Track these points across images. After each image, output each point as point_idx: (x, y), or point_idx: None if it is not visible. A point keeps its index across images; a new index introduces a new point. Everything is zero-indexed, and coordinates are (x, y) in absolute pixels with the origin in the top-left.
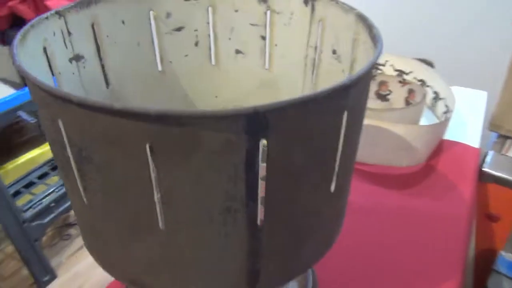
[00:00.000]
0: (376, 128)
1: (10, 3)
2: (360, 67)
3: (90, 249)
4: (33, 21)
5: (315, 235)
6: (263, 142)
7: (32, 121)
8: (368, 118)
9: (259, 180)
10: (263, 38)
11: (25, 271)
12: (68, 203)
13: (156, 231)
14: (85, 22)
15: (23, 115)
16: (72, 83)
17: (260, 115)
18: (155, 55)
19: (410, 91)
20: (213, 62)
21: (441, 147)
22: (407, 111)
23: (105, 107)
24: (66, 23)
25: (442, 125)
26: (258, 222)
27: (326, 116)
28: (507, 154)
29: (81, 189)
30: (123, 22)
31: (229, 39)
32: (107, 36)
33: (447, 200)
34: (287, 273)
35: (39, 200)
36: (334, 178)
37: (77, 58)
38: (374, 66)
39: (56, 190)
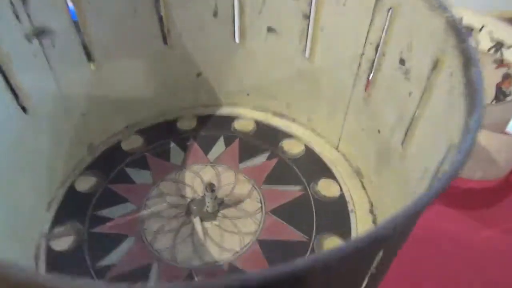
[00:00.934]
0: None
1: None
2: (437, 102)
3: None
4: None
5: None
6: None
7: None
8: None
9: None
10: (306, 17)
11: None
12: None
13: None
14: None
15: None
16: (33, 66)
17: None
18: (158, 25)
19: (506, 76)
20: (237, 39)
21: None
22: (497, 109)
23: None
24: None
25: None
26: None
27: (353, 263)
28: None
29: None
30: None
31: (259, 12)
32: (89, 2)
33: None
34: None
35: None
36: None
37: (40, 33)
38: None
39: None
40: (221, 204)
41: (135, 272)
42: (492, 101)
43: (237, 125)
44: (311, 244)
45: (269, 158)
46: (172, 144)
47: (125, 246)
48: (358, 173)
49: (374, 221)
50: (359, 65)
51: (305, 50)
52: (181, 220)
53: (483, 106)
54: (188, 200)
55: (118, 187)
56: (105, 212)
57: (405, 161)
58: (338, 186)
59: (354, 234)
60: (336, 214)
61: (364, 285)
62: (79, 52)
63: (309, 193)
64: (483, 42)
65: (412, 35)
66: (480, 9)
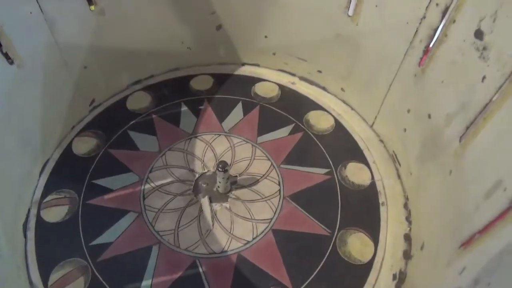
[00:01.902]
0: None
1: None
2: None
3: None
4: None
5: None
6: None
7: None
8: None
9: None
10: None
11: None
12: None
13: None
14: None
15: None
16: (18, 6)
17: None
18: None
19: None
20: None
21: None
22: None
23: None
24: None
25: None
26: None
27: None
28: None
29: None
30: None
31: None
32: None
33: None
34: None
35: None
36: None
37: None
38: None
39: None
40: (234, 183)
41: (132, 255)
42: None
43: (259, 89)
44: (333, 240)
45: (292, 132)
46: (184, 107)
47: (123, 223)
48: (395, 160)
49: (407, 218)
50: (416, 32)
51: (348, 7)
52: (188, 198)
53: None
54: (197, 175)
55: (120, 153)
56: (103, 182)
57: (463, 162)
58: (369, 173)
59: (383, 231)
60: (364, 205)
61: None
62: None
63: (336, 178)
64: None
65: (502, 0)
66: None
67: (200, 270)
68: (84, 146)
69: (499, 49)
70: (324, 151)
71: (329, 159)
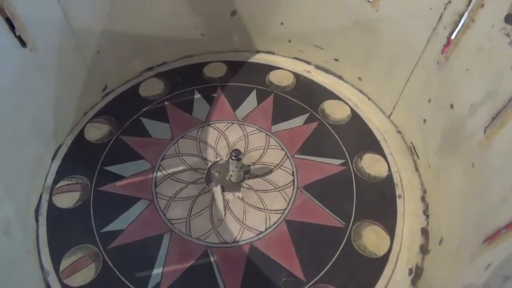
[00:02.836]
0: None
1: None
2: None
3: None
4: None
5: None
6: None
7: None
8: None
9: None
10: None
11: None
12: None
13: None
14: None
15: None
16: None
17: None
18: None
19: None
20: None
21: None
22: None
23: None
24: None
25: None
26: None
27: None
28: None
29: None
30: None
31: None
32: None
33: None
34: None
35: None
36: None
37: None
38: None
39: None
40: (247, 172)
41: (144, 243)
42: None
43: (273, 77)
44: (347, 232)
45: (307, 122)
46: (197, 94)
47: (134, 210)
48: (413, 152)
49: (425, 212)
50: (440, 17)
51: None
52: (200, 187)
53: None
54: (210, 164)
55: (132, 140)
56: (115, 168)
57: (487, 153)
58: (386, 164)
59: (400, 224)
60: (380, 198)
61: None
62: None
63: (351, 169)
64: None
65: None
66: None
67: (212, 259)
68: (96, 132)
69: None
70: (340, 141)
71: (345, 150)
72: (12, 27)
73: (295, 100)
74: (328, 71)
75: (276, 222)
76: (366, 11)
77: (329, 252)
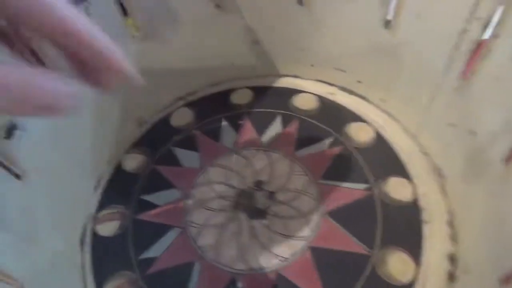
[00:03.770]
0: None
1: None
2: None
3: None
4: None
5: None
6: None
7: None
8: None
9: None
10: None
11: None
12: None
13: None
14: None
15: None
16: None
17: None
18: None
19: None
20: (302, 2)
21: None
22: None
23: None
24: None
25: None
26: None
27: None
28: None
29: None
30: None
31: None
32: None
33: None
34: None
35: None
36: None
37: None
38: None
39: None
40: (272, 199)
41: (177, 269)
42: None
43: (297, 101)
44: (372, 259)
45: (331, 146)
46: (224, 122)
47: (168, 238)
48: (440, 174)
49: (453, 237)
50: (457, 44)
51: (387, 20)
52: (228, 215)
53: None
54: (236, 191)
55: (165, 169)
56: (150, 197)
57: (508, 186)
58: (411, 188)
59: (426, 250)
60: (406, 223)
61: None
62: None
63: (376, 194)
64: None
65: None
66: None
67: (239, 286)
68: (133, 163)
69: None
70: (364, 165)
71: (369, 174)
72: None
73: (319, 124)
74: (351, 92)
75: (301, 249)
76: (384, 37)
77: (354, 279)
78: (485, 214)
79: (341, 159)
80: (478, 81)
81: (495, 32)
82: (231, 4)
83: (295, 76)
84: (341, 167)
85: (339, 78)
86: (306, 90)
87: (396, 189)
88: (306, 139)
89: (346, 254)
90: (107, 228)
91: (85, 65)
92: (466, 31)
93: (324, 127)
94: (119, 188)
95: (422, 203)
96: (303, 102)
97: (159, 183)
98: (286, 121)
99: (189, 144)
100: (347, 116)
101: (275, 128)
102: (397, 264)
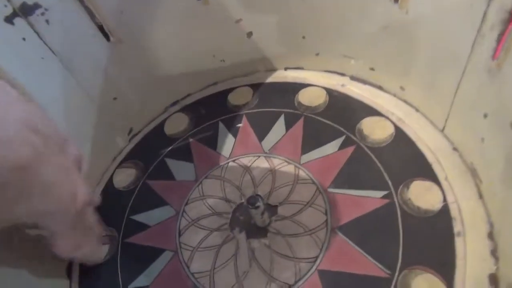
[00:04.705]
0: None
1: None
2: None
3: None
4: None
5: None
6: None
7: None
8: None
9: None
10: None
11: None
12: None
13: None
14: None
15: None
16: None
17: None
18: None
19: None
20: None
21: None
22: None
23: None
24: None
25: None
26: None
27: None
28: None
29: None
30: None
31: None
32: None
33: None
34: None
35: None
36: None
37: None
38: None
39: None
40: (274, 214)
41: None
42: None
43: (303, 97)
44: (393, 283)
45: (342, 146)
46: (221, 126)
47: (159, 263)
48: (474, 174)
49: (493, 252)
50: (484, 16)
51: None
52: (224, 234)
53: None
54: (234, 206)
55: (157, 184)
56: (141, 217)
57: None
58: (440, 193)
59: (460, 271)
60: (434, 237)
61: None
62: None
63: (396, 202)
64: None
65: None
66: None
67: None
68: (124, 178)
69: None
70: (381, 168)
71: (388, 179)
72: None
73: (328, 122)
74: (365, 82)
75: (307, 273)
76: (395, 14)
77: None
78: None
79: (354, 162)
80: None
81: None
82: None
83: (300, 68)
84: (353, 172)
85: (349, 66)
86: (313, 83)
87: (421, 195)
88: (313, 141)
89: (362, 278)
90: None
91: None
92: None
93: (334, 125)
94: (109, 208)
95: (454, 211)
96: (310, 97)
97: (150, 200)
98: (290, 121)
99: (184, 154)
100: (360, 110)
101: (278, 130)
102: None
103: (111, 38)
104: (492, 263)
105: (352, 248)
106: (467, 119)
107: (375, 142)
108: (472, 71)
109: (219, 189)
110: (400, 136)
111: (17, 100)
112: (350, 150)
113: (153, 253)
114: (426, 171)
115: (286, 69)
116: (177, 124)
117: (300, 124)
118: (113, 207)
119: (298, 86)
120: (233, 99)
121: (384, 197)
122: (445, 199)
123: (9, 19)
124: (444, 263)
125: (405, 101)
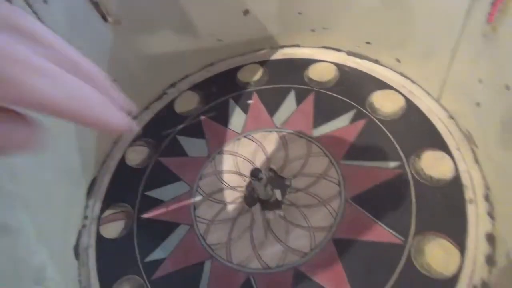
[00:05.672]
0: None
1: None
2: None
3: None
4: None
5: None
6: None
7: None
8: None
9: None
10: None
11: None
12: None
13: None
14: None
15: None
16: None
17: None
18: None
19: None
20: None
21: None
22: None
23: None
24: None
25: None
26: None
27: None
28: None
29: None
30: None
31: None
32: None
33: None
34: None
35: None
36: None
37: None
38: None
39: None
40: (288, 186)
41: (185, 271)
42: None
43: (312, 72)
44: (407, 249)
45: (353, 120)
46: (232, 103)
47: (175, 237)
48: (470, 140)
49: (490, 214)
50: None
51: None
52: (239, 207)
53: None
54: (247, 180)
55: (170, 161)
56: (156, 193)
57: None
58: (451, 162)
59: (472, 235)
60: (446, 204)
61: None
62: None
63: (408, 172)
64: None
65: None
66: None
67: (254, 287)
68: (137, 156)
69: None
70: (393, 139)
71: (399, 149)
72: None
73: (338, 96)
74: (361, 56)
75: (322, 242)
76: None
77: (386, 274)
78: None
79: (366, 134)
80: (510, 21)
81: None
82: None
83: (297, 46)
84: (365, 144)
85: (346, 41)
86: (322, 59)
87: (432, 164)
88: (324, 115)
89: (376, 245)
90: (112, 230)
91: None
92: None
93: (345, 99)
94: (124, 186)
95: (465, 179)
96: (319, 73)
97: (164, 177)
98: (300, 97)
99: (195, 131)
100: (371, 84)
101: (289, 105)
102: (437, 253)
103: (109, 19)
104: (489, 223)
105: (366, 216)
106: (462, 86)
107: (386, 115)
108: (467, 37)
109: (232, 164)
110: (411, 108)
111: None
112: (361, 123)
113: (169, 227)
114: (437, 142)
115: (286, 46)
116: (188, 103)
117: (310, 99)
118: (128, 184)
119: (306, 62)
120: (243, 76)
121: (396, 167)
122: (457, 169)
123: None
124: (456, 228)
125: (401, 74)
